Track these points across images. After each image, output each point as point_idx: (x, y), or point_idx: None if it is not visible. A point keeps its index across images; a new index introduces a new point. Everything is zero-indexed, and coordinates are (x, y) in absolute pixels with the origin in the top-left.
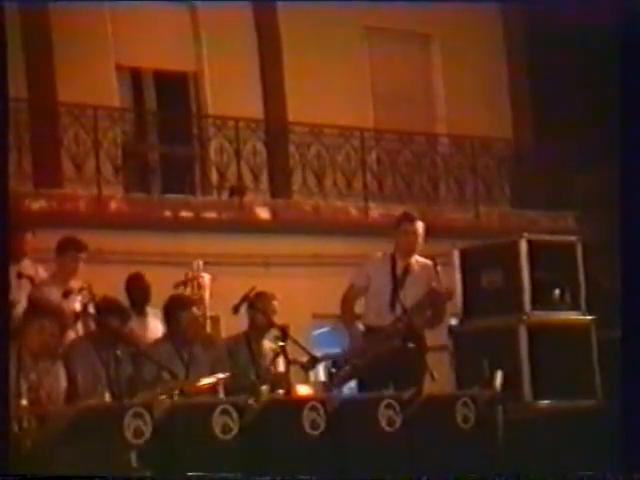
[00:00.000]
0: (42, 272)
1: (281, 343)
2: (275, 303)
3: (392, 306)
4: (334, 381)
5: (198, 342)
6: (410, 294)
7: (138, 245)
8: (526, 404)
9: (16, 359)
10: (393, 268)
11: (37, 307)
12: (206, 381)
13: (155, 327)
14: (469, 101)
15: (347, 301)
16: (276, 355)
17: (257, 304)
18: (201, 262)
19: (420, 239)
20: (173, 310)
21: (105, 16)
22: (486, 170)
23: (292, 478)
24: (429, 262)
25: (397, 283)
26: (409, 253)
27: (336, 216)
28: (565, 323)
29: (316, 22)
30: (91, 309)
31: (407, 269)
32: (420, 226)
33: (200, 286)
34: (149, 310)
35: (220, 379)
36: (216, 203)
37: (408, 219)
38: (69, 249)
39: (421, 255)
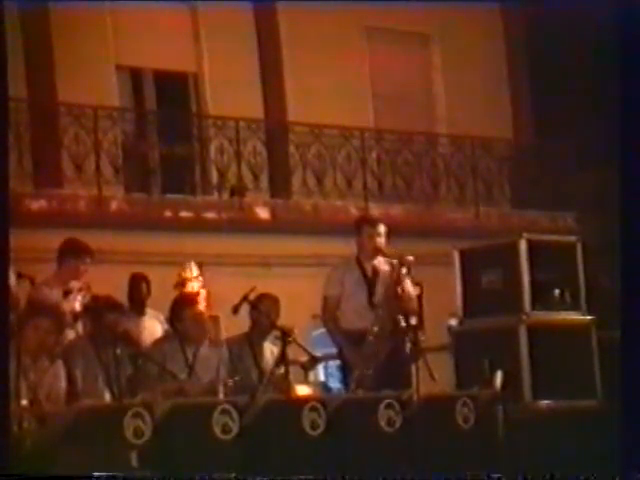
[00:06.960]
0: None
1: (287, 347)
2: (278, 305)
3: (371, 306)
4: (350, 388)
5: (205, 343)
6: (382, 294)
7: (138, 245)
8: (526, 404)
9: (15, 359)
10: (362, 270)
11: (35, 307)
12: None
13: (154, 327)
14: (469, 101)
15: (329, 313)
16: (280, 359)
17: (259, 306)
18: (194, 264)
19: (384, 240)
20: (179, 307)
21: (105, 16)
22: (486, 170)
23: (292, 478)
24: (393, 261)
25: (370, 283)
26: (374, 255)
27: (336, 216)
28: (565, 323)
29: (316, 22)
30: (90, 309)
31: (375, 270)
32: (382, 228)
33: (197, 286)
34: (149, 310)
35: (227, 381)
36: (216, 203)
37: (370, 222)
38: (77, 254)
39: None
